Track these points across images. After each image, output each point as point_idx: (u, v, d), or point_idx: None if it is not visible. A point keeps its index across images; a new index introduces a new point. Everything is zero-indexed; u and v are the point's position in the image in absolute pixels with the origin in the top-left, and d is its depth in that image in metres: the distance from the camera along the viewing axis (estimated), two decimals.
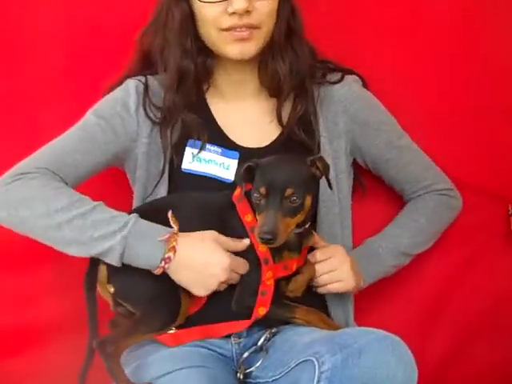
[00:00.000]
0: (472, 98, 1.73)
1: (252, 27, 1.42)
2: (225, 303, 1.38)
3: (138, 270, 1.35)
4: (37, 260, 1.65)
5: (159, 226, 1.36)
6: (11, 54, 1.71)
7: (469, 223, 1.71)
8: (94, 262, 1.40)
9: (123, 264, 1.35)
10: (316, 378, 1.11)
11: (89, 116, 1.50)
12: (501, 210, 1.72)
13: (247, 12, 1.39)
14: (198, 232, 1.37)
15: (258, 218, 1.33)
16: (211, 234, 1.37)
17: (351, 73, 1.58)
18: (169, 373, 1.29)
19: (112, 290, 1.40)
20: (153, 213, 1.40)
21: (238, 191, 1.40)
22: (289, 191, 1.29)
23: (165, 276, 1.35)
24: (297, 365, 1.21)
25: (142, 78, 1.53)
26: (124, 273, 1.37)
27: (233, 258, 1.36)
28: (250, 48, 1.44)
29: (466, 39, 1.73)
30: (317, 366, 1.13)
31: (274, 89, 1.50)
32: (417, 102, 1.72)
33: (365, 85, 1.60)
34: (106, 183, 1.61)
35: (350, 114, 1.54)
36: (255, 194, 1.32)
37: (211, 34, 1.44)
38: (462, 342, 1.73)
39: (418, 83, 1.72)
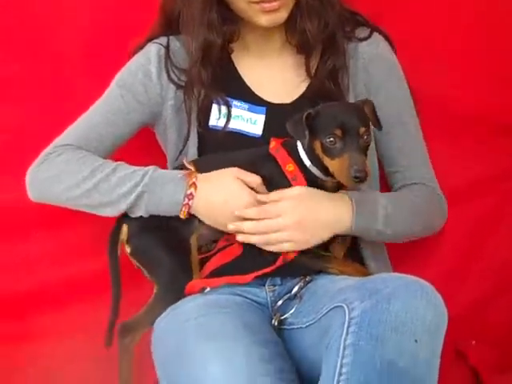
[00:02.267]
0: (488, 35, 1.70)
1: None
2: (257, 255, 1.40)
3: (156, 235, 1.40)
4: (66, 221, 1.67)
5: (177, 171, 1.41)
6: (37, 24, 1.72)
7: (493, 172, 1.71)
8: (119, 222, 1.45)
9: (144, 227, 1.41)
10: (346, 324, 1.12)
11: (112, 87, 1.52)
12: None
13: None
14: (222, 170, 1.39)
15: (333, 162, 1.31)
16: (230, 170, 1.39)
17: (380, 32, 1.54)
18: (205, 315, 1.32)
19: (129, 250, 1.43)
20: None
21: (274, 143, 1.41)
22: (362, 130, 1.30)
23: (179, 249, 1.39)
24: (328, 311, 1.22)
25: (164, 41, 1.52)
26: (142, 234, 1.42)
27: (253, 194, 1.37)
28: (282, 16, 1.42)
29: None
30: (347, 312, 1.13)
31: (302, 46, 1.47)
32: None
33: (393, 48, 1.55)
34: (140, 147, 1.62)
35: (369, 73, 1.50)
36: (329, 139, 1.30)
37: (240, 7, 1.42)
38: (495, 288, 1.73)
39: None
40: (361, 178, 1.28)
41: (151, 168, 1.41)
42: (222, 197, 1.38)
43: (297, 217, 1.36)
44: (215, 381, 1.19)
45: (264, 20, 1.42)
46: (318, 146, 1.33)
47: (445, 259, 1.74)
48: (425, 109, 1.61)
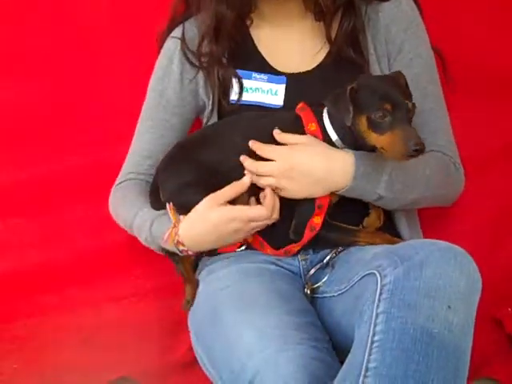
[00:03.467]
0: None
1: None
2: (283, 234, 1.39)
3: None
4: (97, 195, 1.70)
5: (165, 222, 1.38)
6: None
7: None
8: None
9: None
10: (378, 291, 1.11)
11: (147, 99, 1.56)
12: None
13: None
14: (198, 208, 1.35)
15: (383, 137, 1.27)
16: (204, 204, 1.34)
17: None
18: (238, 283, 1.34)
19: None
20: (194, 144, 1.43)
21: (301, 104, 1.39)
22: (409, 104, 1.28)
23: None
24: (360, 278, 1.21)
25: (179, 32, 1.52)
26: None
27: (243, 212, 1.33)
28: None
29: None
30: (379, 279, 1.12)
31: (319, 13, 1.44)
32: None
33: (418, 7, 1.50)
34: None
35: (390, 32, 1.46)
36: (378, 114, 1.26)
37: None
38: None
39: None
40: (420, 151, 1.24)
41: (147, 229, 1.42)
42: (213, 236, 1.35)
43: (287, 165, 1.34)
44: (249, 350, 1.20)
45: None
46: (363, 121, 1.29)
47: (478, 227, 1.73)
48: (459, 71, 1.58)
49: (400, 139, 1.25)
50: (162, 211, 1.42)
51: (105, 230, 1.72)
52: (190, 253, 1.38)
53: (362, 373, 1.06)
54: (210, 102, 1.50)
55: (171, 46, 1.53)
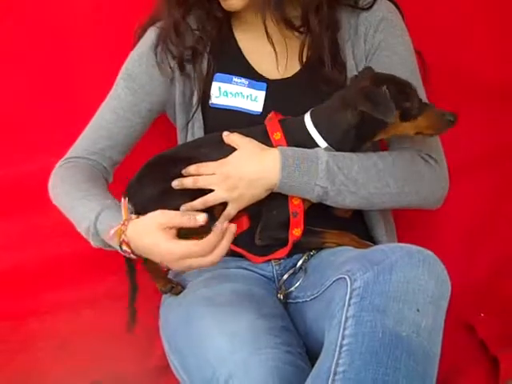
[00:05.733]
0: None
1: None
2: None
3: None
4: None
5: (115, 217, 1.32)
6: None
7: (505, 141, 1.71)
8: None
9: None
10: (348, 295, 1.11)
11: (118, 80, 1.52)
12: None
13: None
14: (145, 220, 1.28)
15: (420, 119, 1.34)
16: (152, 218, 1.26)
17: None
18: (212, 289, 1.33)
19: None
20: (163, 164, 1.41)
21: (270, 115, 1.40)
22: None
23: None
24: (332, 283, 1.21)
25: (163, 23, 1.50)
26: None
27: (172, 247, 1.24)
28: (236, 4, 1.42)
29: None
30: (349, 284, 1.13)
31: (291, 26, 1.43)
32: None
33: (400, 12, 1.51)
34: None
35: (368, 36, 1.47)
36: (409, 102, 1.33)
37: None
38: (504, 262, 1.75)
39: None
40: (455, 118, 1.34)
41: (92, 219, 1.35)
42: (153, 254, 1.27)
43: (223, 175, 1.34)
44: (221, 355, 1.19)
45: (222, 4, 1.43)
46: (396, 116, 1.33)
47: (454, 233, 1.75)
48: (437, 79, 1.59)
49: (435, 117, 1.35)
50: (104, 202, 1.37)
51: (77, 234, 1.68)
52: (132, 256, 1.30)
53: (331, 377, 1.06)
54: (194, 101, 1.49)
55: (153, 35, 1.51)
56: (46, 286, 1.79)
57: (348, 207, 1.39)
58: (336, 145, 1.36)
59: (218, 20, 1.47)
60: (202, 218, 1.23)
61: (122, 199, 1.33)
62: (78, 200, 1.39)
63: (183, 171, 1.37)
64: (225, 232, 1.23)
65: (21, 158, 1.77)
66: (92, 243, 1.39)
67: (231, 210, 1.35)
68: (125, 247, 1.28)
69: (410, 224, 1.65)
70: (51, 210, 1.68)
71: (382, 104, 1.31)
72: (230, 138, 1.38)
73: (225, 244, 1.23)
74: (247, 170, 1.34)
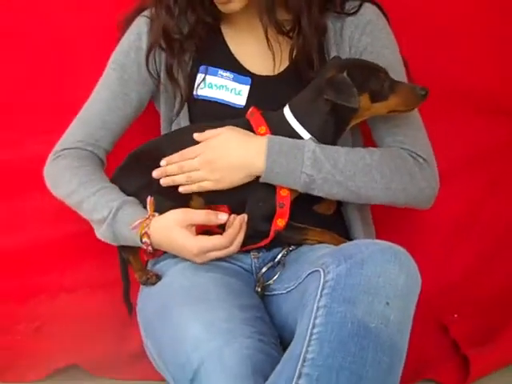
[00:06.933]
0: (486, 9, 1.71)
1: None
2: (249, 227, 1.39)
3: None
4: None
5: (138, 211, 1.39)
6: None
7: (490, 143, 1.72)
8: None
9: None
10: (321, 287, 1.13)
11: (108, 70, 1.54)
12: None
13: None
14: (168, 217, 1.36)
15: (391, 99, 1.37)
16: (174, 216, 1.36)
17: (372, 1, 1.51)
18: (189, 279, 1.35)
19: None
20: (147, 154, 1.44)
21: (250, 110, 1.42)
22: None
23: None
24: (307, 276, 1.23)
25: (150, 13, 1.51)
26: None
27: (200, 243, 1.35)
28: (234, 6, 1.43)
29: None
30: (322, 276, 1.15)
31: (279, 30, 1.44)
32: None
33: (385, 16, 1.51)
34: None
35: (354, 40, 1.48)
36: (378, 85, 1.36)
37: None
38: (478, 266, 1.78)
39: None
40: (427, 91, 1.36)
41: (114, 206, 1.40)
42: (174, 249, 1.38)
43: (207, 157, 1.37)
44: (196, 342, 1.21)
45: (220, 8, 1.45)
46: (365, 99, 1.35)
47: (431, 237, 1.78)
48: (422, 82, 1.58)
49: (407, 93, 1.37)
50: (126, 197, 1.42)
51: (61, 220, 1.73)
52: (149, 248, 1.38)
53: (300, 362, 1.08)
54: (179, 94, 1.50)
55: (141, 24, 1.52)
56: (28, 271, 1.79)
57: (335, 197, 1.40)
58: (318, 133, 1.38)
59: (207, 22, 1.48)
60: (223, 217, 1.35)
61: (149, 197, 1.38)
62: (97, 190, 1.43)
63: (165, 159, 1.40)
64: (242, 225, 1.35)
65: (10, 142, 1.78)
66: (99, 232, 1.43)
67: (207, 186, 1.38)
68: (145, 239, 1.36)
69: (390, 225, 1.67)
70: (33, 197, 1.74)
71: (343, 90, 1.34)
72: (202, 135, 1.40)
73: (242, 235, 1.37)
74: (231, 153, 1.37)
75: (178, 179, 1.39)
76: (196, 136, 1.40)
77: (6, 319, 1.75)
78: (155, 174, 1.40)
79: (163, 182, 1.40)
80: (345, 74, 1.34)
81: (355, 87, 1.34)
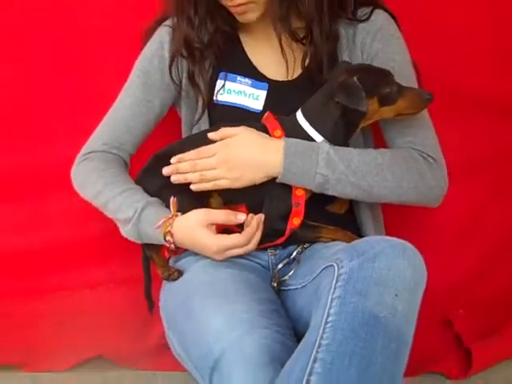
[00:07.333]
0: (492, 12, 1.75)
1: (245, 4, 1.46)
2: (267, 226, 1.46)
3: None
4: None
5: (162, 211, 1.46)
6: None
7: (495, 146, 1.77)
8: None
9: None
10: (335, 280, 1.22)
11: (132, 77, 1.61)
12: None
13: None
14: (190, 216, 1.43)
15: (398, 103, 1.43)
16: (196, 215, 1.43)
17: (381, 7, 1.56)
18: (210, 275, 1.42)
19: None
20: (169, 156, 1.49)
21: (265, 115, 1.49)
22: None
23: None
24: (321, 270, 1.32)
25: (172, 22, 1.57)
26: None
27: (220, 241, 1.41)
28: (251, 17, 1.50)
29: None
30: (336, 270, 1.23)
31: (294, 38, 1.51)
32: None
33: (396, 22, 1.57)
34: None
35: (366, 46, 1.54)
36: (387, 89, 1.42)
37: (223, 4, 1.49)
38: (488, 260, 1.83)
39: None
40: (433, 95, 1.43)
41: (139, 207, 1.46)
42: (196, 247, 1.45)
43: (224, 156, 1.43)
44: (218, 332, 1.28)
45: (237, 18, 1.52)
46: (374, 102, 1.42)
47: (440, 235, 1.83)
48: (433, 89, 1.61)
49: (414, 97, 1.44)
50: (150, 198, 1.49)
51: (86, 219, 1.79)
52: (172, 246, 1.44)
53: (315, 349, 1.17)
54: (200, 99, 1.57)
55: (163, 33, 1.59)
56: (52, 269, 1.86)
57: (348, 196, 1.46)
58: (330, 136, 1.44)
59: (226, 31, 1.56)
60: (242, 217, 1.41)
61: (172, 197, 1.45)
62: (122, 191, 1.51)
63: (176, 157, 1.46)
64: (259, 224, 1.42)
65: (30, 147, 1.84)
66: (124, 231, 1.51)
67: (224, 184, 1.44)
68: (168, 237, 1.43)
69: (399, 223, 1.73)
70: (59, 197, 1.80)
71: (353, 94, 1.40)
72: (221, 132, 1.45)
73: (259, 234, 1.43)
74: (249, 153, 1.43)
75: (190, 177, 1.46)
76: (211, 135, 1.47)
77: (32, 314, 1.81)
78: (165, 171, 1.47)
79: (174, 179, 1.47)
80: (355, 78, 1.41)
81: (365, 91, 1.40)
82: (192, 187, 1.46)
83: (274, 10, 1.48)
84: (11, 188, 1.85)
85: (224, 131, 1.46)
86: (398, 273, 1.21)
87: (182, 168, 1.47)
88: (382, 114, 1.45)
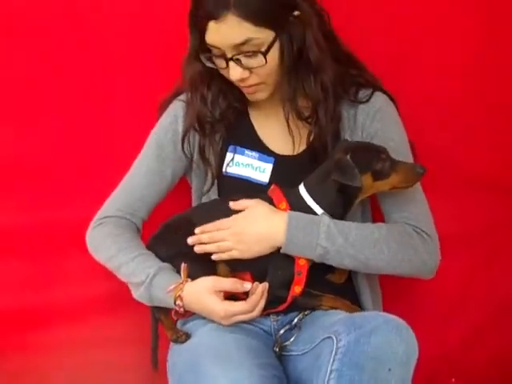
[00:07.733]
0: (486, 93, 1.81)
1: (255, 85, 1.54)
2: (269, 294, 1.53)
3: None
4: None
5: (173, 276, 1.54)
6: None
7: (487, 220, 1.83)
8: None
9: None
10: (334, 352, 1.31)
11: (146, 148, 1.69)
12: None
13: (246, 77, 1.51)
14: (199, 283, 1.51)
15: (392, 177, 1.50)
16: (205, 282, 1.51)
17: (380, 89, 1.64)
18: (215, 339, 1.50)
19: None
20: (178, 225, 1.60)
21: (271, 187, 1.58)
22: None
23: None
24: (321, 341, 1.40)
25: (185, 97, 1.65)
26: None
27: (227, 307, 1.49)
28: (261, 96, 1.58)
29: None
30: (335, 342, 1.32)
31: (299, 117, 1.60)
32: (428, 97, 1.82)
33: (394, 103, 1.65)
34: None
35: (366, 126, 1.61)
36: (379, 165, 1.49)
37: (234, 83, 1.56)
38: (480, 329, 1.89)
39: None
40: (425, 169, 1.50)
41: (151, 272, 1.54)
42: (204, 312, 1.53)
43: (236, 229, 1.53)
44: None
45: (248, 97, 1.60)
46: (368, 178, 1.50)
47: (431, 306, 1.89)
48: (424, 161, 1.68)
49: (407, 172, 1.51)
50: (162, 263, 1.56)
51: (98, 277, 1.82)
52: (181, 310, 1.51)
53: None
54: (209, 173, 1.66)
55: (178, 108, 1.67)
56: (61, 325, 1.91)
57: (346, 267, 1.55)
58: (329, 209, 1.52)
59: (236, 107, 1.66)
60: (248, 286, 1.50)
61: (183, 264, 1.53)
62: (135, 256, 1.58)
63: (199, 228, 1.55)
64: (264, 292, 1.49)
65: (54, 205, 1.90)
66: (136, 294, 1.58)
67: (235, 255, 1.53)
68: (179, 301, 1.50)
69: (395, 295, 1.79)
70: (76, 256, 1.84)
71: (347, 172, 1.49)
72: (237, 204, 1.56)
73: (263, 302, 1.50)
74: (257, 228, 1.52)
75: (208, 248, 1.55)
76: (232, 204, 1.55)
77: (40, 368, 1.86)
78: (190, 240, 1.56)
79: (196, 249, 1.55)
80: (348, 156, 1.50)
81: (358, 168, 1.48)
82: (213, 257, 1.54)
83: (284, 90, 1.59)
84: (26, 245, 1.90)
85: (242, 202, 1.55)
86: (392, 348, 1.30)
87: (203, 239, 1.55)
88: (377, 188, 1.54)
